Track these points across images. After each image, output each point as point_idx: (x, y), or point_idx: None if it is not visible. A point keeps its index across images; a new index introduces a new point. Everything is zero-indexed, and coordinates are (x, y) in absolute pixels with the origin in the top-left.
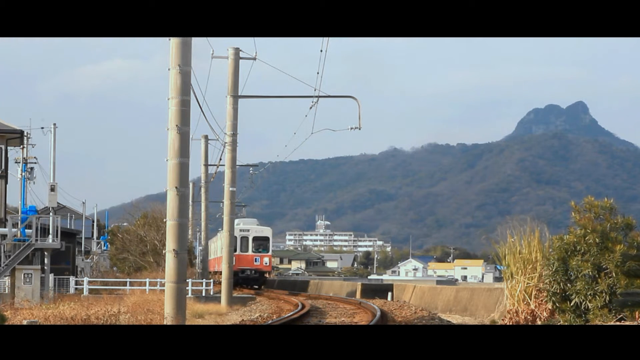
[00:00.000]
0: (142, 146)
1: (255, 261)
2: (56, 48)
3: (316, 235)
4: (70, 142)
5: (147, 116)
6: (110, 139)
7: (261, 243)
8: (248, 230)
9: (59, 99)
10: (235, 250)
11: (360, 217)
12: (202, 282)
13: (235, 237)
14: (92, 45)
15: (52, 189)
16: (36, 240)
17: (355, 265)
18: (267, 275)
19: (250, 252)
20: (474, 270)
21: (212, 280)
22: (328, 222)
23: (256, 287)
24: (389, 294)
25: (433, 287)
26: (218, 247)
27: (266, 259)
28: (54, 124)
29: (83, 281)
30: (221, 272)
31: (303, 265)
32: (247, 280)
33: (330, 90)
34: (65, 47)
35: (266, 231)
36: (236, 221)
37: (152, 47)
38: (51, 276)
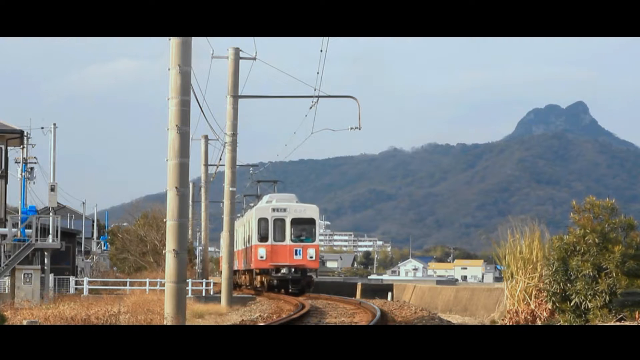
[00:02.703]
0: (142, 146)
1: (296, 254)
2: (58, 48)
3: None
4: (70, 142)
5: (147, 116)
6: (111, 139)
7: (304, 228)
8: (284, 210)
9: (59, 99)
10: (267, 239)
11: (360, 217)
12: (202, 282)
13: (266, 219)
14: (93, 46)
15: (52, 189)
16: (36, 240)
17: (355, 265)
18: (313, 275)
19: (288, 242)
20: (474, 270)
21: (212, 281)
22: (328, 222)
23: (296, 291)
24: (389, 294)
25: (433, 287)
26: (241, 234)
27: (311, 251)
28: (54, 124)
29: (83, 281)
30: (248, 271)
31: None
32: (283, 282)
33: (330, 90)
34: (65, 47)
35: (310, 210)
36: (266, 197)
37: (154, 49)
38: (51, 276)
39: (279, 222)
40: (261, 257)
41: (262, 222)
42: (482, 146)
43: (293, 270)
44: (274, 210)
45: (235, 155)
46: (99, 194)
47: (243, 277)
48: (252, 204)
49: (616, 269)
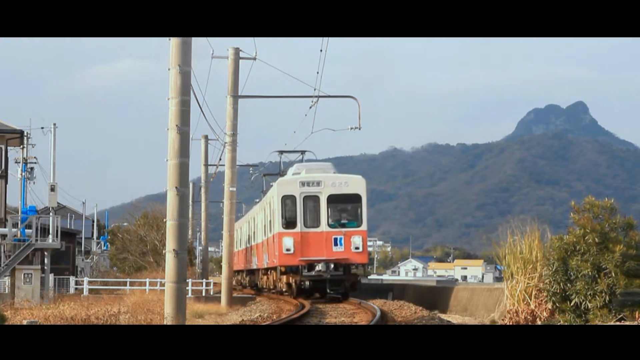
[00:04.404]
0: (142, 146)
1: (336, 244)
2: (61, 48)
3: None
4: (71, 142)
5: (148, 116)
6: (111, 139)
7: (346, 208)
8: (318, 184)
9: (60, 100)
10: (294, 225)
11: None
12: (202, 282)
13: (292, 197)
14: (93, 47)
15: (52, 189)
16: (36, 240)
17: None
18: (358, 271)
19: (324, 228)
20: (474, 270)
21: (212, 281)
22: None
23: (338, 295)
24: (389, 294)
25: (433, 287)
26: (260, 222)
27: (357, 240)
28: (54, 124)
29: (83, 281)
30: (270, 270)
31: None
32: (319, 284)
33: (330, 90)
34: (69, 47)
35: (354, 183)
36: (293, 168)
37: (155, 50)
38: (51, 276)
39: (311, 201)
40: (287, 249)
41: (288, 201)
42: (482, 146)
43: (332, 266)
44: (303, 184)
45: (235, 155)
46: (99, 194)
47: (265, 277)
48: (272, 184)
49: (616, 268)
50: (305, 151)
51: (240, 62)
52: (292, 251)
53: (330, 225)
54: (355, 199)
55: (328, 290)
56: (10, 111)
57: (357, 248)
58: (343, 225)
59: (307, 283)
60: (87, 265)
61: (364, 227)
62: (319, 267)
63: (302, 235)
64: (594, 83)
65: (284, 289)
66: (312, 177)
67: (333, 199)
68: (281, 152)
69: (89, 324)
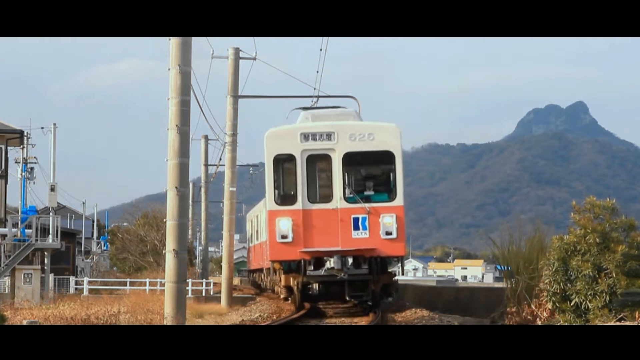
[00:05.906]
0: (142, 146)
1: (356, 227)
2: (65, 48)
3: None
4: (71, 142)
5: (148, 116)
6: (111, 139)
7: (372, 172)
8: (329, 137)
9: (60, 100)
10: (293, 200)
11: None
12: (202, 282)
13: (291, 157)
14: (94, 47)
15: (52, 189)
16: (36, 240)
17: None
18: (394, 270)
19: (338, 203)
20: (474, 270)
21: (212, 281)
22: None
23: (365, 303)
24: None
25: (433, 287)
26: (263, 219)
27: (389, 221)
28: (54, 124)
29: (83, 281)
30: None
31: None
32: (334, 287)
33: (332, 90)
34: (72, 47)
35: (384, 134)
36: (300, 117)
37: (153, 51)
38: (51, 276)
39: (320, 162)
40: (283, 236)
41: (283, 163)
42: (482, 146)
43: (351, 261)
44: (306, 137)
45: (235, 155)
46: (99, 194)
47: (283, 278)
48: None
49: (616, 269)
50: (338, 107)
51: (240, 62)
52: (289, 239)
53: (347, 200)
54: (385, 158)
55: (347, 297)
56: (11, 111)
57: (388, 233)
58: (367, 199)
59: (315, 286)
60: (87, 265)
61: (398, 201)
62: (330, 262)
63: (305, 215)
64: (594, 83)
65: (282, 295)
66: (320, 126)
67: (352, 160)
68: (305, 109)
69: (89, 324)
